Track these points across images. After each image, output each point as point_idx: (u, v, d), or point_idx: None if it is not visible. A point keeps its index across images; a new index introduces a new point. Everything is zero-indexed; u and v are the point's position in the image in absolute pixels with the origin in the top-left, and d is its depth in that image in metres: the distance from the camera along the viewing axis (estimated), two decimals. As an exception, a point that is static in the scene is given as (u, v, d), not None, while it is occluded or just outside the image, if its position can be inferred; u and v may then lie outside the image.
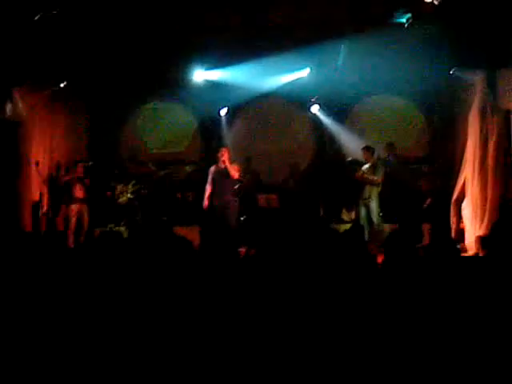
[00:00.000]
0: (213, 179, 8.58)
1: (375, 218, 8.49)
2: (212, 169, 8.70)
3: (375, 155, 8.84)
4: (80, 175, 8.83)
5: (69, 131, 9.71)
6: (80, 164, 8.96)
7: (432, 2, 7.16)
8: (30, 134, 8.18)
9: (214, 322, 2.98)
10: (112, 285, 3.41)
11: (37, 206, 8.28)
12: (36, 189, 8.29)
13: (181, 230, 8.31)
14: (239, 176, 8.65)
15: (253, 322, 2.98)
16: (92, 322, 3.03)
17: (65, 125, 9.53)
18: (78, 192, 8.73)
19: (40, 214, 8.25)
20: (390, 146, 9.73)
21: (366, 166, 8.77)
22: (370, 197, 8.59)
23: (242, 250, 8.61)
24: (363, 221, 8.46)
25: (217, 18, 8.28)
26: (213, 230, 8.37)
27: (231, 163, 8.50)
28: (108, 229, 8.74)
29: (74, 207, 8.65)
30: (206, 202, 8.57)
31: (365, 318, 3.00)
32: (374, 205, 8.55)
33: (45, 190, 8.36)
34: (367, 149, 8.82)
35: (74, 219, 8.62)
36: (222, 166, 8.51)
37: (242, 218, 9.52)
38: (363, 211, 8.61)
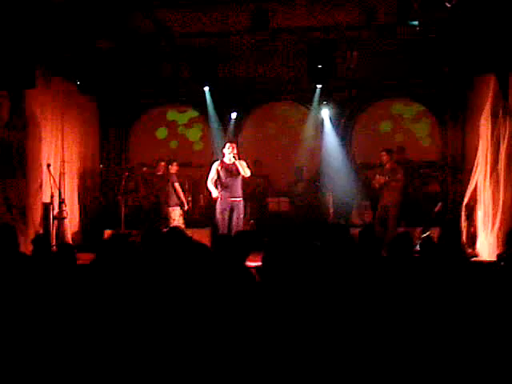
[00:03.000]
0: (218, 176, 7.93)
1: (392, 222, 8.37)
2: (217, 164, 8.00)
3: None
4: None
5: (80, 132, 9.78)
6: None
7: (444, 5, 7.15)
8: (40, 134, 8.19)
9: (225, 324, 2.98)
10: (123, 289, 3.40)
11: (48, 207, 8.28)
12: (47, 191, 8.29)
13: (192, 233, 8.32)
14: (250, 174, 8.06)
15: (266, 326, 2.97)
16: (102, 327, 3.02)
17: (76, 126, 9.59)
18: None
19: (51, 216, 8.25)
20: (401, 150, 9.70)
21: (384, 169, 8.66)
22: (389, 201, 8.47)
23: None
24: (379, 225, 8.35)
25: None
26: (219, 232, 7.81)
27: (238, 160, 7.91)
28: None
29: None
30: (213, 194, 7.94)
31: (372, 321, 2.99)
32: (393, 209, 8.44)
33: (56, 192, 8.36)
34: (388, 152, 8.69)
35: None
36: (229, 162, 7.91)
37: (250, 222, 9.51)
38: (381, 215, 8.51)
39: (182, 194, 9.16)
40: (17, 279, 3.63)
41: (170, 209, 9.12)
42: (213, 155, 9.66)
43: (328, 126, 10.51)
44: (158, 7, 7.81)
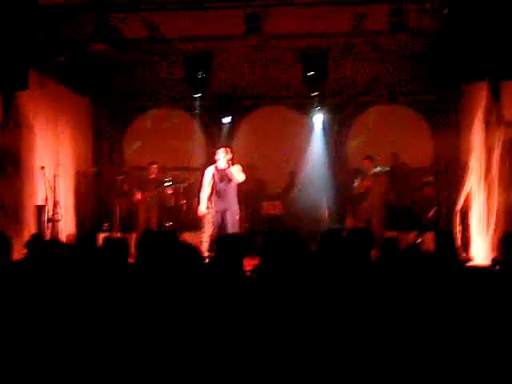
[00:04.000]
0: (214, 182, 7.85)
1: (377, 225, 8.52)
2: (211, 170, 7.92)
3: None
4: None
5: (74, 135, 9.76)
6: None
7: (436, 13, 7.21)
8: (34, 136, 8.16)
9: (221, 329, 2.97)
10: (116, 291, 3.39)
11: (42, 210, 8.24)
12: (41, 193, 8.26)
13: (187, 236, 8.30)
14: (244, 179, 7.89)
15: (261, 329, 2.98)
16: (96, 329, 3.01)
17: (70, 128, 9.56)
18: None
19: (45, 218, 8.21)
20: (395, 156, 9.76)
21: (367, 175, 8.84)
22: (372, 205, 8.67)
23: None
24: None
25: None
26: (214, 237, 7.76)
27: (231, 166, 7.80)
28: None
29: None
30: (201, 208, 7.91)
31: (364, 326, 2.99)
32: (376, 213, 8.61)
33: (50, 194, 8.32)
34: (369, 158, 8.99)
35: None
36: (223, 167, 7.77)
37: (244, 225, 9.49)
38: (365, 218, 8.68)
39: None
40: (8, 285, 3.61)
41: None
42: (205, 159, 9.69)
43: (321, 131, 10.53)
44: (151, 11, 7.80)
